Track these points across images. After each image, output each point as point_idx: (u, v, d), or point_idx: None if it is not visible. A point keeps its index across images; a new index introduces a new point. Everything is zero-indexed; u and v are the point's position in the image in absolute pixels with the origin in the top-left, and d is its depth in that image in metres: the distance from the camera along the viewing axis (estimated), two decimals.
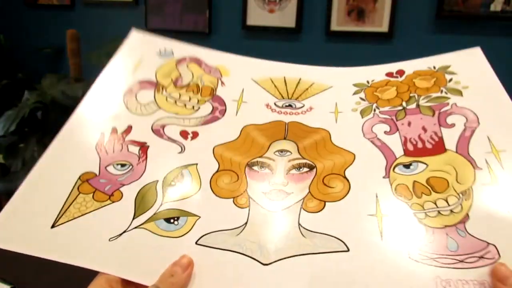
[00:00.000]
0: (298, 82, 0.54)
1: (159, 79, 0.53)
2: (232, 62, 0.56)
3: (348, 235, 0.37)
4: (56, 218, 0.39)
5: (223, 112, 0.50)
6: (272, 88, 0.54)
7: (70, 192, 0.41)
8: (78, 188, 0.41)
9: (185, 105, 0.51)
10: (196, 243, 0.37)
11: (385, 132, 0.46)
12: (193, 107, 0.51)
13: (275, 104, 0.52)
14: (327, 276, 0.35)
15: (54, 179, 0.42)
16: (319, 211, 0.39)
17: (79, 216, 0.39)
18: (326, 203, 0.40)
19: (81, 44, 1.53)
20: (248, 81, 0.54)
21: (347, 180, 0.42)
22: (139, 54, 0.56)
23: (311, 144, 0.46)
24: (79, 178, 0.42)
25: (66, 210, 0.39)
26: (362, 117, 0.48)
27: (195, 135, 0.48)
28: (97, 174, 0.43)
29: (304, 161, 0.44)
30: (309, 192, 0.41)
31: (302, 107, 0.51)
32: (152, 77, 0.53)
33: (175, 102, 0.51)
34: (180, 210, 0.40)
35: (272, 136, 0.47)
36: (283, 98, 0.53)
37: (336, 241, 0.37)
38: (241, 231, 0.38)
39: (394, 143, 0.45)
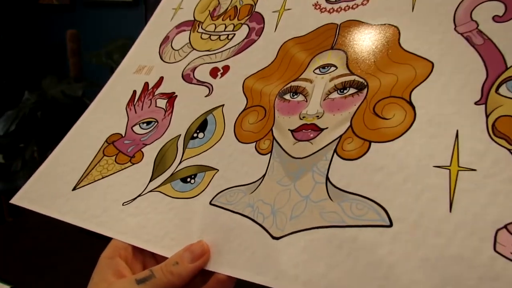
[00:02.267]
0: None
1: (196, 16, 0.47)
2: None
3: (395, 199, 0.24)
4: (79, 180, 0.38)
5: (260, 32, 0.40)
6: None
7: (96, 155, 0.39)
8: (103, 151, 0.39)
9: (219, 37, 0.43)
10: (210, 203, 0.31)
11: (495, 19, 0.28)
12: (227, 36, 0.42)
13: (326, 0, 0.37)
14: (351, 266, 0.23)
15: (84, 142, 0.41)
16: (358, 158, 0.27)
17: (99, 179, 0.37)
18: (372, 143, 0.27)
19: (81, 44, 1.53)
20: None
21: (412, 107, 0.27)
22: None
23: (368, 51, 0.32)
24: (106, 140, 0.40)
25: (89, 173, 0.38)
26: None
27: (225, 70, 0.40)
28: (123, 135, 0.40)
29: (351, 78, 0.31)
30: (350, 126, 0.28)
31: None
32: (190, 16, 0.47)
33: (209, 37, 0.44)
34: (198, 166, 0.34)
35: (316, 47, 0.35)
36: None
37: (375, 208, 0.24)
38: (256, 187, 0.30)
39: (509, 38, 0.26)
